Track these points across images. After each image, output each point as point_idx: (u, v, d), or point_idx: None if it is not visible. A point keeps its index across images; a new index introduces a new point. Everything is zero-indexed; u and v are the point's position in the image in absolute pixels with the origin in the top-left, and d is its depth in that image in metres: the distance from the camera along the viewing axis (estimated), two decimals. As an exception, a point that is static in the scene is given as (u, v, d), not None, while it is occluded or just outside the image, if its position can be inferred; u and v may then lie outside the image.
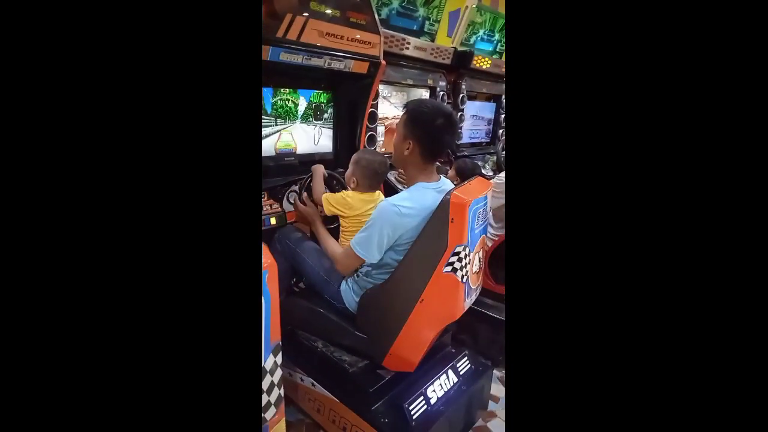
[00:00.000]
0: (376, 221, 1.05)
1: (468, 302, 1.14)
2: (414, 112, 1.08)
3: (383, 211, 1.05)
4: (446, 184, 1.15)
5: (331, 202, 1.31)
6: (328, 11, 1.32)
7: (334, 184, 1.49)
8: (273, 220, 1.37)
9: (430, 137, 1.07)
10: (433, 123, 1.06)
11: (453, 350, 1.36)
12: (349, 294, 1.22)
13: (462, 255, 1.03)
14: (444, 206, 1.00)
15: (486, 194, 1.12)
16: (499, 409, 1.51)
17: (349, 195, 1.31)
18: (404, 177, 1.77)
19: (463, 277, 1.06)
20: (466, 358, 1.31)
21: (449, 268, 1.03)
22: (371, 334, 1.17)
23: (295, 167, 1.55)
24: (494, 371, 1.41)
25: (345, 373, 1.19)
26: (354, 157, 1.34)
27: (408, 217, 1.04)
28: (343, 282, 1.24)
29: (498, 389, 1.61)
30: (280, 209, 1.41)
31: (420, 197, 1.07)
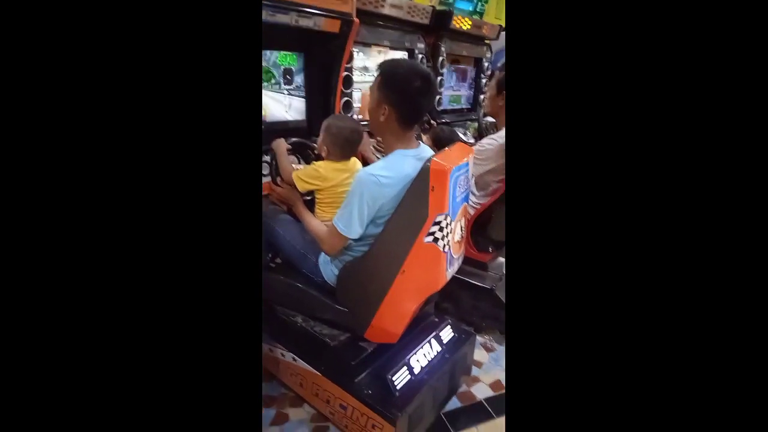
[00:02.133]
0: (355, 193, 1.00)
1: (450, 272, 1.11)
2: (388, 74, 1.00)
3: (361, 181, 1.00)
4: (426, 151, 1.10)
5: (303, 177, 1.23)
6: (294, -39, 1.20)
7: (308, 154, 1.42)
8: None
9: (407, 101, 1.00)
10: (410, 86, 0.98)
11: (436, 319, 1.35)
12: (328, 268, 1.18)
13: (443, 224, 0.99)
14: (424, 174, 0.95)
15: (467, 160, 1.07)
16: (482, 374, 1.53)
17: (320, 166, 1.24)
18: (382, 145, 1.71)
19: (444, 246, 1.02)
20: (449, 326, 1.31)
21: (430, 238, 1.00)
22: (352, 307, 1.14)
23: (265, 137, 1.46)
24: (476, 337, 1.42)
25: (326, 347, 1.17)
26: (324, 123, 1.25)
27: (387, 187, 0.99)
28: (322, 255, 1.20)
29: (481, 354, 1.63)
30: (251, 182, 1.33)
31: (399, 165, 1.01)
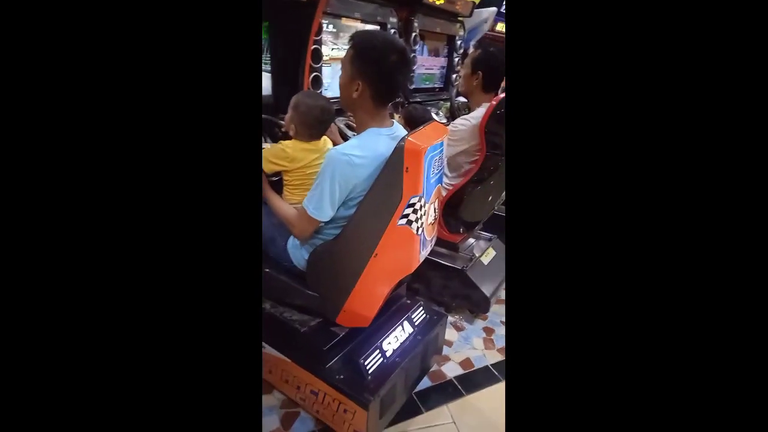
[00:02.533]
0: (326, 174, 0.95)
1: (423, 254, 1.10)
2: (363, 47, 0.94)
3: (333, 161, 0.94)
4: (400, 130, 1.06)
5: (270, 158, 1.16)
6: None
7: (275, 132, 1.34)
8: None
9: (383, 77, 0.95)
10: (386, 60, 0.93)
11: (408, 301, 1.34)
12: (298, 252, 1.13)
13: (417, 206, 0.97)
14: (398, 154, 0.91)
15: (442, 140, 1.04)
16: (452, 353, 1.56)
17: (288, 146, 1.17)
18: (354, 122, 1.65)
19: (418, 229, 1.00)
20: (421, 308, 1.31)
21: (404, 221, 0.97)
22: (323, 292, 1.10)
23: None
24: (447, 317, 1.43)
25: (296, 333, 1.13)
26: (292, 100, 1.18)
27: (360, 168, 0.95)
28: (290, 239, 1.15)
29: (451, 334, 1.65)
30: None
31: (372, 144, 0.97)
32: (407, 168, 0.92)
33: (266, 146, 1.29)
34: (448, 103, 2.59)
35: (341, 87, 1.00)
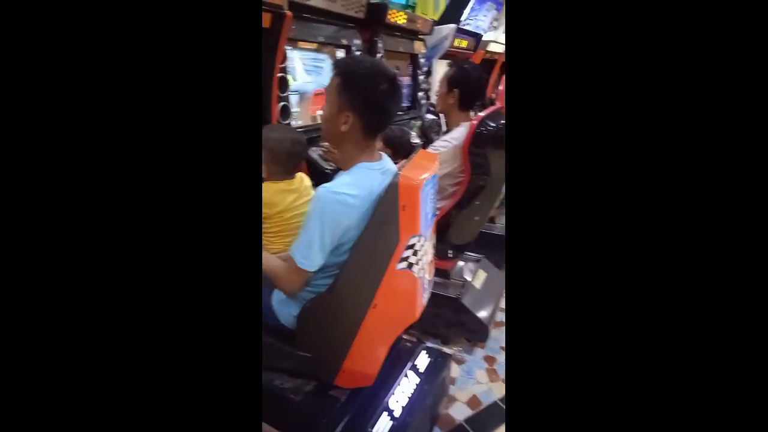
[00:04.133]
0: (315, 216, 0.82)
1: (426, 297, 0.99)
2: (350, 75, 0.84)
3: (323, 201, 0.82)
4: (389, 163, 0.96)
5: None
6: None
7: None
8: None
9: (373, 107, 0.85)
10: (376, 89, 0.83)
11: (408, 344, 1.22)
12: (285, 308, 0.99)
13: (417, 247, 0.86)
14: (392, 191, 0.81)
15: (436, 171, 0.95)
16: (457, 391, 1.44)
17: (263, 190, 1.04)
18: (334, 155, 1.53)
19: (419, 271, 0.90)
20: (424, 351, 1.19)
21: (404, 264, 0.86)
22: (317, 352, 0.97)
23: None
24: (451, 357, 1.32)
25: (290, 402, 0.98)
26: None
27: (353, 208, 0.83)
28: (275, 294, 1.00)
29: (453, 369, 1.54)
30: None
31: (365, 181, 0.86)
32: (404, 206, 0.82)
33: None
34: (419, 122, 2.54)
35: (326, 119, 0.89)
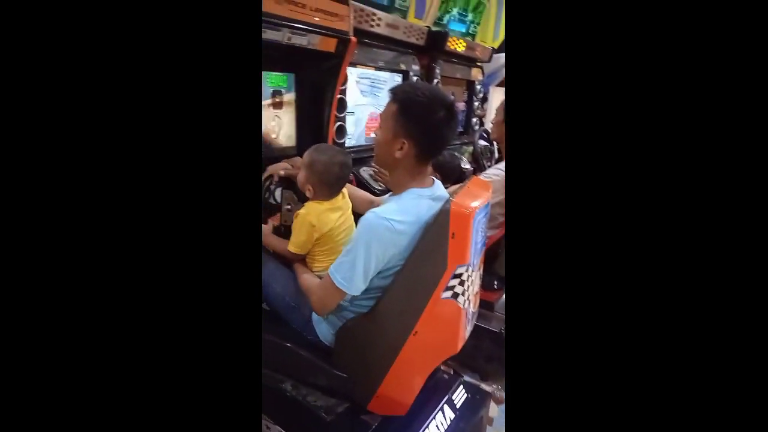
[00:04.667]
0: (361, 240, 0.83)
1: (469, 330, 0.95)
2: (407, 102, 0.85)
3: (370, 226, 0.83)
4: (440, 189, 0.95)
5: (300, 244, 1.05)
6: (286, -28, 1.06)
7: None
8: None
9: (430, 134, 0.85)
10: (433, 116, 0.84)
11: (445, 376, 1.18)
12: (324, 325, 0.99)
13: (464, 277, 0.84)
14: (443, 218, 0.80)
15: (489, 200, 0.92)
16: (494, 432, 1.36)
17: (309, 213, 1.05)
18: (384, 176, 1.55)
19: (465, 302, 0.87)
20: (461, 386, 1.14)
21: (449, 293, 0.84)
22: (353, 373, 0.95)
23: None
24: (490, 396, 1.25)
25: (321, 421, 0.97)
26: (306, 159, 1.06)
27: (401, 234, 0.83)
28: (316, 309, 1.01)
29: (491, 408, 1.46)
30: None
31: (414, 208, 0.85)
32: (453, 234, 0.80)
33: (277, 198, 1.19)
34: (471, 148, 2.51)
35: (380, 144, 0.91)
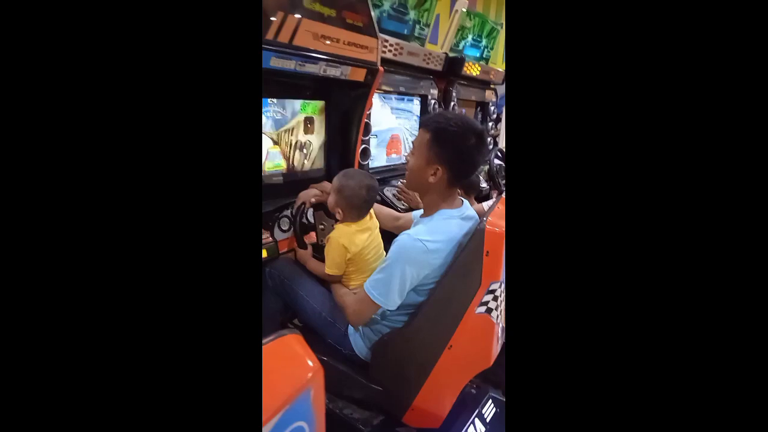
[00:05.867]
0: (398, 260, 0.88)
1: (500, 345, 0.99)
2: (440, 131, 0.92)
3: (405, 247, 0.89)
4: (469, 209, 1.01)
5: (335, 266, 1.11)
6: (323, 11, 1.15)
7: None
8: (264, 253, 1.17)
9: (463, 160, 0.92)
10: (466, 144, 0.90)
11: (474, 391, 1.20)
12: (359, 339, 1.04)
13: (497, 293, 0.88)
14: (478, 237, 0.85)
15: (518, 220, 0.98)
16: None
17: (340, 236, 1.11)
18: (407, 195, 1.62)
19: (497, 317, 0.91)
20: (491, 401, 1.17)
21: (483, 309, 0.88)
22: (389, 386, 1.00)
23: (284, 188, 1.36)
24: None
25: (358, 433, 1.01)
26: (335, 184, 1.13)
27: (434, 254, 0.88)
28: (352, 324, 1.06)
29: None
30: (271, 239, 1.21)
31: (445, 228, 0.91)
32: (488, 252, 0.85)
33: (320, 227, 1.25)
34: (486, 167, 2.58)
35: (414, 170, 0.97)
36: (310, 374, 0.42)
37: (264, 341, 0.43)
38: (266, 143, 1.31)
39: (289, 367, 0.43)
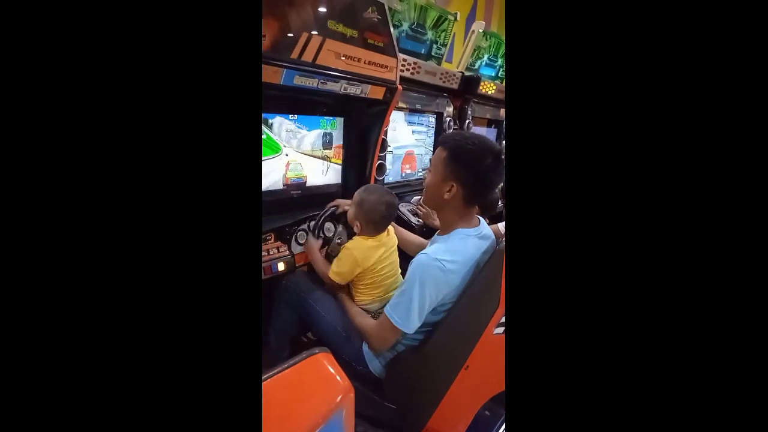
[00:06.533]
0: (415, 281, 0.89)
1: (517, 366, 0.98)
2: (457, 150, 0.93)
3: (423, 267, 0.89)
4: (486, 228, 1.01)
5: (341, 272, 1.12)
6: (346, 31, 1.19)
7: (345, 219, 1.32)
8: (281, 266, 1.18)
9: (478, 179, 0.93)
10: (482, 163, 0.91)
11: (488, 413, 1.18)
12: (374, 356, 1.04)
13: (516, 314, 0.88)
14: (497, 257, 0.85)
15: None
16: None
17: (355, 248, 1.13)
18: (423, 211, 1.63)
19: (515, 339, 0.90)
20: (504, 425, 1.14)
21: (501, 330, 0.88)
22: (403, 405, 0.99)
23: (303, 203, 1.38)
24: None
25: (371, 453, 1.00)
26: (356, 198, 1.16)
27: (452, 273, 0.88)
28: (367, 341, 1.06)
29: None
30: (288, 252, 1.22)
31: (463, 248, 0.91)
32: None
33: (338, 237, 1.26)
34: (501, 183, 2.58)
35: (430, 187, 0.98)
36: (342, 394, 0.43)
37: (295, 360, 0.43)
38: (285, 155, 1.34)
39: (323, 387, 0.43)
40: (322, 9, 1.12)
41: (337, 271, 1.13)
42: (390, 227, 1.23)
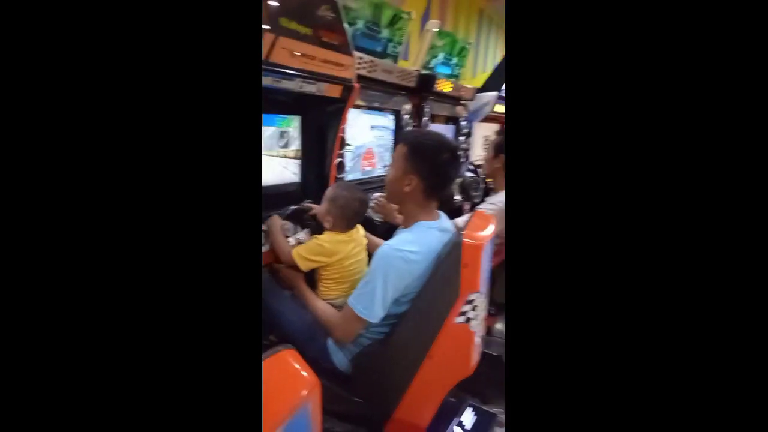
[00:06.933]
0: (379, 271, 0.90)
1: (478, 354, 1.02)
2: (417, 145, 0.97)
3: (386, 257, 0.91)
4: (446, 221, 1.04)
5: (306, 255, 1.12)
6: (299, 29, 1.17)
7: (306, 220, 1.32)
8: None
9: (436, 172, 0.96)
10: (439, 157, 0.95)
11: (453, 400, 1.23)
12: (340, 352, 1.04)
13: (476, 303, 0.92)
14: (456, 250, 0.89)
15: (494, 232, 1.02)
16: (500, 456, 1.39)
17: (325, 240, 1.14)
18: (384, 208, 1.65)
19: (476, 326, 0.94)
20: (470, 409, 1.19)
21: (462, 318, 0.91)
22: (370, 398, 1.00)
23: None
24: (496, 417, 1.30)
25: (340, 448, 1.00)
26: (329, 193, 1.17)
27: (415, 264, 0.91)
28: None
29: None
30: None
31: (425, 239, 0.94)
32: (466, 264, 0.89)
33: (295, 239, 1.25)
34: (459, 179, 2.65)
35: (391, 180, 1.01)
36: (308, 389, 0.43)
37: (260, 357, 0.43)
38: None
39: (288, 383, 0.43)
40: (274, 3, 1.10)
41: (301, 253, 1.12)
42: (359, 226, 1.25)
